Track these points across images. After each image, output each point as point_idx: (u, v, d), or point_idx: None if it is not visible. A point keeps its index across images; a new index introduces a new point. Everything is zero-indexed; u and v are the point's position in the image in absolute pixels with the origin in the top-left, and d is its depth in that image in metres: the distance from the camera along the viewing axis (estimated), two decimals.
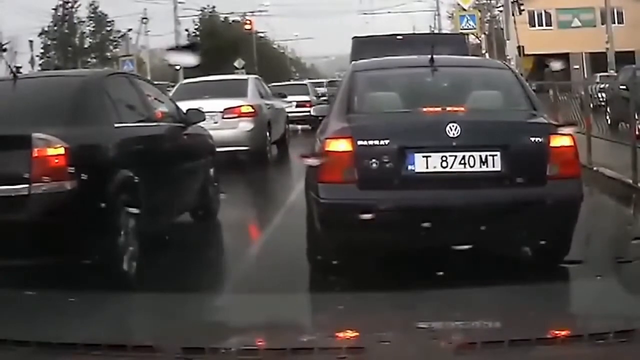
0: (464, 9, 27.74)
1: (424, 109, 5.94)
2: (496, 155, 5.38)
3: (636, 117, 10.90)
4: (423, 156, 5.38)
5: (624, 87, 13.62)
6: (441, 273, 4.42)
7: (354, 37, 15.88)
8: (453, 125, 5.37)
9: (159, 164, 6.61)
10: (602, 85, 17.14)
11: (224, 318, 3.59)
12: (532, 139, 5.49)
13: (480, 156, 5.37)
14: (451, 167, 5.38)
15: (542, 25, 46.25)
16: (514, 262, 5.92)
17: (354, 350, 2.47)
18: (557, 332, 2.51)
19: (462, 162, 5.38)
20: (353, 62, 7.21)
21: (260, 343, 2.68)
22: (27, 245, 5.08)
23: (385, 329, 2.79)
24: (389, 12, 52.11)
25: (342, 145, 5.49)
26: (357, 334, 2.81)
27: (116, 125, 6.24)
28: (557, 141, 5.50)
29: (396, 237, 5.31)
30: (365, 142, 5.43)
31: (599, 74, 28.82)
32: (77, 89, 6.24)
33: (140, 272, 5.75)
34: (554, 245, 5.60)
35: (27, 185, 5.22)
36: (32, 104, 6.00)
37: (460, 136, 5.36)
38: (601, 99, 15.18)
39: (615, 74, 23.48)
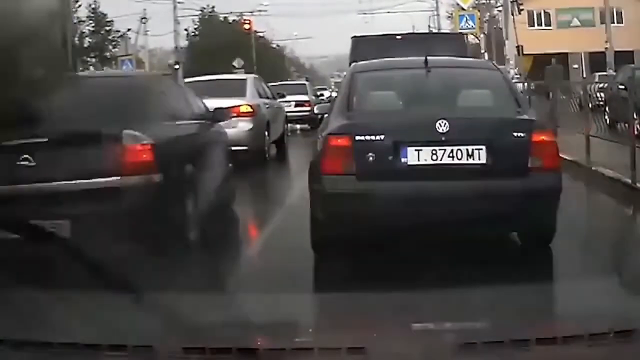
0: (463, 9, 27.70)
1: (417, 107, 6.52)
2: (481, 149, 5.85)
3: (635, 116, 10.90)
4: (415, 150, 5.87)
5: (623, 86, 13.61)
6: (435, 260, 4.50)
7: (353, 37, 15.86)
8: (442, 122, 5.84)
9: (204, 156, 7.37)
10: (600, 85, 17.10)
11: (224, 318, 3.59)
12: (515, 134, 5.95)
13: (467, 150, 5.84)
14: (440, 160, 5.86)
15: (541, 25, 46.22)
16: (504, 249, 6.19)
17: (354, 350, 2.46)
18: (557, 332, 2.51)
19: (450, 155, 5.85)
20: (354, 64, 7.52)
21: (260, 343, 2.67)
22: (117, 232, 5.41)
23: (385, 329, 2.78)
24: (388, 12, 52.14)
25: (342, 140, 6.00)
26: (357, 334, 2.81)
27: (177, 122, 6.97)
28: (538, 136, 5.96)
29: (391, 224, 5.71)
30: (362, 138, 5.92)
31: (597, 74, 28.78)
32: (148, 89, 6.94)
33: (198, 240, 6.65)
34: (538, 232, 6.12)
35: (118, 178, 5.77)
36: (108, 104, 6.34)
37: (449, 132, 5.83)
38: (600, 99, 15.14)
39: (614, 74, 23.44)
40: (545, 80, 22.26)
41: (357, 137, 5.92)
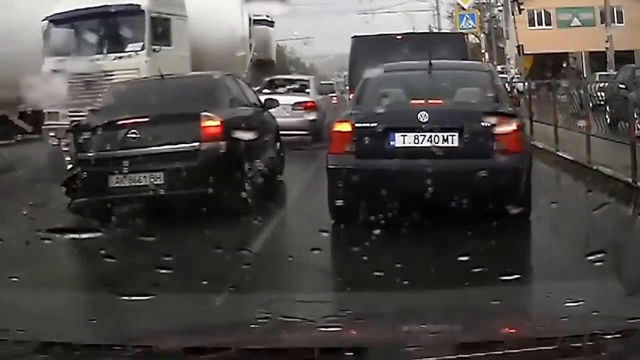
0: (464, 8, 27.70)
1: (409, 102, 7.73)
2: (454, 135, 7.12)
3: (635, 116, 10.89)
4: (401, 135, 7.21)
5: (623, 86, 13.61)
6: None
7: (354, 37, 15.88)
8: (423, 113, 7.13)
9: (258, 133, 9.36)
10: (601, 85, 17.08)
11: (224, 318, 3.59)
12: (482, 123, 7.13)
13: (442, 135, 7.13)
14: (421, 143, 7.16)
15: (541, 25, 46.13)
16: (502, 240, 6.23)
17: (355, 351, 2.46)
18: (557, 332, 2.50)
19: (429, 139, 7.16)
20: (369, 69, 8.79)
21: (260, 343, 2.67)
22: (196, 181, 7.83)
23: (385, 329, 2.78)
24: (388, 12, 52.09)
25: (344, 127, 7.49)
26: (357, 334, 2.81)
27: (238, 107, 9.57)
28: (501, 125, 7.12)
29: (382, 192, 6.71)
30: (360, 125, 7.34)
31: (598, 73, 28.75)
32: (217, 84, 9.72)
33: (250, 199, 8.50)
34: (508, 205, 6.66)
35: (198, 144, 8.25)
36: (188, 94, 9.12)
37: (428, 121, 7.12)
38: (600, 98, 15.13)
39: (615, 74, 23.42)
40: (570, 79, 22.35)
41: (357, 125, 7.34)
